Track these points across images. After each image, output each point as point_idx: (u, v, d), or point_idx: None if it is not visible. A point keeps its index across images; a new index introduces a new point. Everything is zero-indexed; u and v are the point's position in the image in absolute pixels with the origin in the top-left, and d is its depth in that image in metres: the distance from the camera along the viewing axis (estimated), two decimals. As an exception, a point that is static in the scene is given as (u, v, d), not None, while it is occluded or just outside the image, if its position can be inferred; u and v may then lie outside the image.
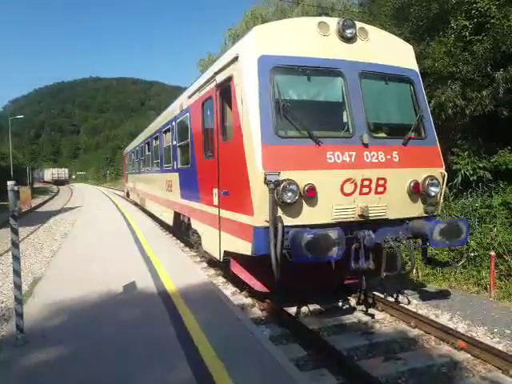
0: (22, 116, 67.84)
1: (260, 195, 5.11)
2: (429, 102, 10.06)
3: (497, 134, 10.21)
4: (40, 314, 5.30)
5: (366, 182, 5.55)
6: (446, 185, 9.79)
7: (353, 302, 6.78)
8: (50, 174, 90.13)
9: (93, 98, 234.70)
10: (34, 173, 77.24)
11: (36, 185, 66.42)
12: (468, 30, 10.54)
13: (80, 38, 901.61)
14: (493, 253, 7.24)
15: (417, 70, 6.62)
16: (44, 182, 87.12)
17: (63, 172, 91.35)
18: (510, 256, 7.75)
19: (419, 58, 10.69)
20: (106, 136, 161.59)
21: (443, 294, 7.06)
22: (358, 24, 6.08)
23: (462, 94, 10.27)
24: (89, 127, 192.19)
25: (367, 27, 6.21)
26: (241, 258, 6.07)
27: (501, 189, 9.43)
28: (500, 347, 5.08)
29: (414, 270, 8.27)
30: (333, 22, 5.87)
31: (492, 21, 9.81)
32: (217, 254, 6.85)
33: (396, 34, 11.43)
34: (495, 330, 5.62)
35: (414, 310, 6.32)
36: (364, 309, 6.43)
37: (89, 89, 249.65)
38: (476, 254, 8.19)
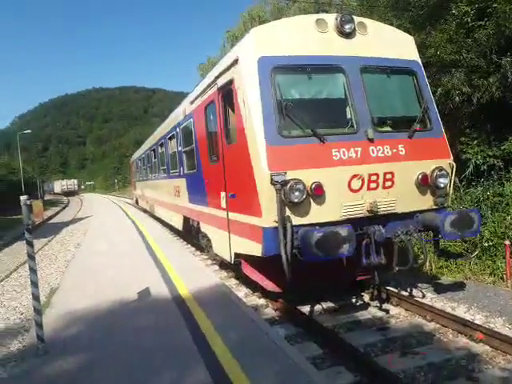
0: (29, 131, 68.72)
1: (267, 196, 5.11)
2: (434, 92, 10.01)
3: (506, 121, 10.05)
4: (58, 324, 5.38)
5: (374, 177, 5.52)
6: (456, 175, 9.79)
7: (366, 297, 6.73)
8: (59, 185, 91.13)
9: (96, 109, 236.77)
10: (45, 185, 78.16)
11: (47, 197, 67.17)
12: (470, 15, 10.43)
13: (80, 49, 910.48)
14: (507, 242, 7.13)
15: (419, 60, 6.56)
16: (54, 193, 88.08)
17: (72, 183, 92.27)
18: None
19: (421, 47, 10.62)
20: (112, 145, 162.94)
21: (458, 286, 6.97)
22: (357, 19, 6.04)
23: (468, 82, 10.15)
24: (94, 137, 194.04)
25: (366, 21, 6.17)
26: (252, 260, 6.07)
27: None
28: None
29: (428, 263, 8.18)
30: (331, 19, 5.85)
31: (494, 5, 9.69)
32: (227, 257, 6.86)
33: (395, 25, 11.39)
34: None
35: (430, 303, 6.24)
36: (378, 304, 6.39)
37: (92, 99, 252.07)
38: (490, 243, 8.07)
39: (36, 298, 4.52)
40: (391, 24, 11.55)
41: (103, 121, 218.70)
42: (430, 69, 10.68)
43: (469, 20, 10.42)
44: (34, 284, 4.50)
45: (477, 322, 5.51)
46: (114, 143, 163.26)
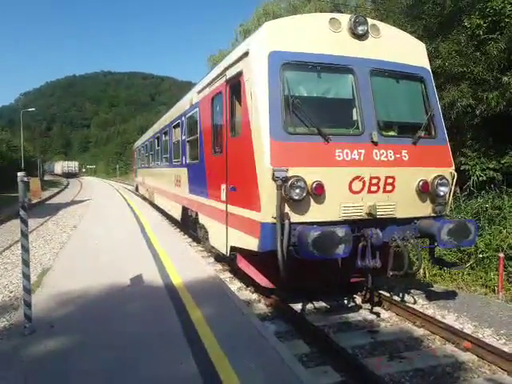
0: (33, 109, 68.28)
1: (268, 191, 5.11)
2: (439, 101, 10.01)
3: (508, 136, 10.06)
4: (48, 304, 5.37)
5: (375, 181, 5.53)
6: (456, 185, 9.80)
7: (358, 300, 6.76)
8: (60, 166, 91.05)
9: (104, 92, 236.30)
10: (45, 165, 78.09)
11: (46, 177, 67.11)
12: (482, 28, 10.40)
13: (91, 32, 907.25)
14: (502, 254, 7.17)
15: (429, 68, 6.56)
16: (54, 174, 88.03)
17: (73, 165, 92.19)
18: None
19: (431, 56, 10.60)
20: (117, 130, 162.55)
21: (450, 295, 7.00)
22: (370, 21, 6.02)
23: (473, 94, 10.15)
24: (99, 121, 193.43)
25: (379, 24, 6.16)
26: (247, 254, 6.09)
27: None
28: (506, 349, 5.01)
29: (422, 270, 8.23)
30: (344, 19, 5.83)
31: (507, 20, 9.67)
32: (223, 249, 6.88)
33: (409, 32, 11.35)
34: (502, 332, 5.55)
35: (421, 309, 6.27)
36: (369, 307, 6.42)
37: (100, 83, 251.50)
38: (485, 255, 8.12)
39: (26, 276, 4.49)
40: (405, 30, 11.53)
41: (109, 105, 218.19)
42: (437, 79, 10.67)
43: (481, 33, 10.40)
44: (25, 263, 4.47)
45: (465, 330, 5.55)
46: (119, 128, 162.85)
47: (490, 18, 10.36)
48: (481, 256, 8.12)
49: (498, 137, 10.36)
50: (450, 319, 6.01)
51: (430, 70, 6.58)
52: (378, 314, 6.20)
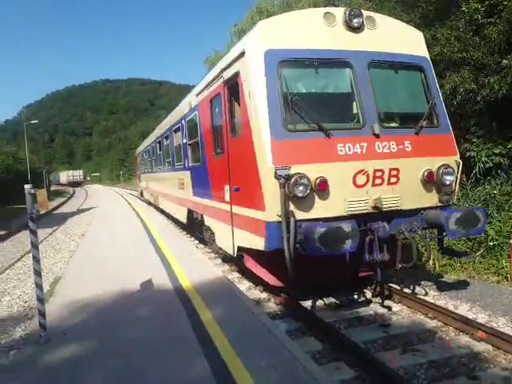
0: (36, 121, 68.77)
1: (271, 190, 5.09)
2: (440, 89, 9.92)
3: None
4: (61, 313, 5.42)
5: (379, 173, 5.47)
6: (462, 173, 9.70)
7: (369, 294, 6.71)
8: (65, 176, 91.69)
9: (103, 100, 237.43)
10: (50, 176, 78.54)
11: (52, 187, 67.53)
12: (480, 12, 10.28)
13: (88, 41, 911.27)
14: (512, 241, 7.08)
15: (427, 56, 6.48)
16: (60, 184, 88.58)
17: (78, 174, 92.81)
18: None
19: (429, 44, 10.50)
20: (118, 137, 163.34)
21: (462, 285, 6.92)
22: (365, 13, 5.96)
23: (475, 80, 10.04)
24: (100, 129, 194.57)
25: (375, 15, 6.10)
26: (255, 253, 6.06)
27: None
28: (521, 337, 4.95)
29: (431, 261, 8.15)
30: (339, 12, 5.78)
31: (505, 2, 9.54)
32: (230, 250, 6.86)
33: (405, 21, 11.24)
34: None
35: (432, 301, 6.20)
36: (380, 301, 6.36)
37: (99, 91, 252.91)
38: (495, 242, 8.01)
39: (39, 286, 4.55)
40: (401, 19, 11.43)
41: (109, 112, 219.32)
42: (437, 66, 10.56)
43: (479, 17, 10.27)
44: (37, 273, 4.53)
45: (479, 320, 5.47)
46: (120, 135, 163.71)
47: (487, 2, 10.23)
48: (491, 244, 8.01)
49: (502, 121, 10.22)
50: (462, 309, 5.94)
51: (429, 59, 6.50)
52: (389, 308, 6.15)
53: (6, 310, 6.92)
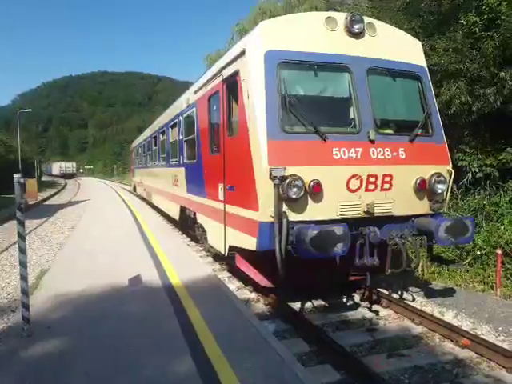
0: (29, 110, 68.09)
1: (265, 190, 5.11)
2: (436, 98, 10.02)
3: (505, 132, 10.07)
4: (46, 306, 5.37)
5: (372, 179, 5.53)
6: (454, 182, 9.81)
7: (357, 298, 6.77)
8: (57, 167, 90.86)
9: (100, 92, 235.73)
10: (42, 166, 77.84)
11: (44, 178, 66.91)
12: (478, 26, 10.41)
13: (87, 32, 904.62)
14: (499, 251, 7.18)
15: (425, 66, 6.56)
16: (52, 175, 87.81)
17: (71, 166, 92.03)
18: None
19: (428, 53, 10.60)
20: (114, 130, 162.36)
21: (449, 292, 7.00)
22: (366, 19, 6.01)
23: (470, 91, 10.16)
24: (96, 121, 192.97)
25: (375, 22, 6.15)
26: (246, 253, 6.08)
27: (510, 187, 9.27)
28: (504, 345, 5.04)
29: (420, 268, 8.25)
30: (340, 17, 5.82)
31: (502, 17, 9.67)
32: (222, 249, 6.87)
33: (406, 29, 11.34)
34: (500, 329, 5.56)
35: (419, 307, 6.29)
36: (368, 305, 6.43)
37: (96, 83, 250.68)
38: (482, 252, 8.12)
39: (24, 278, 4.47)
40: (402, 27, 11.53)
41: (106, 105, 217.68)
42: (433, 76, 10.67)
43: (477, 30, 10.40)
44: (23, 264, 4.45)
45: (464, 328, 5.56)
46: (116, 128, 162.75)
47: (485, 16, 10.36)
48: (479, 253, 8.13)
49: (495, 133, 10.36)
50: (448, 316, 6.02)
51: (427, 68, 6.57)
52: (376, 312, 6.21)
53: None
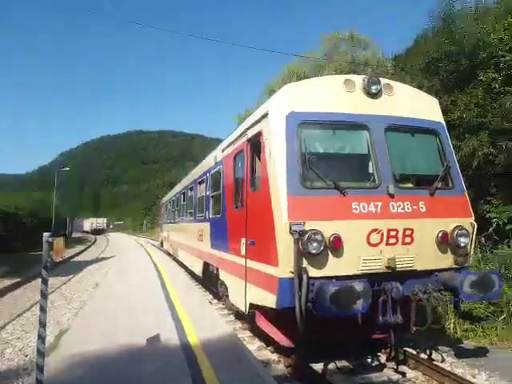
0: (67, 168, 71.51)
1: (285, 245, 5.16)
2: (459, 151, 10.09)
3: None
4: (62, 367, 5.30)
5: (393, 233, 5.51)
6: (480, 235, 9.56)
7: (383, 358, 6.45)
8: (89, 223, 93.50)
9: (135, 150, 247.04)
10: (75, 223, 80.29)
11: (74, 234, 68.59)
12: (497, 82, 10.65)
13: (125, 94, 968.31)
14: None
15: (442, 122, 6.68)
16: (83, 231, 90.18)
17: (102, 222, 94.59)
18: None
19: (449, 109, 10.83)
20: (146, 187, 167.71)
21: (481, 352, 6.60)
22: (383, 80, 6.31)
23: (493, 143, 10.20)
24: (130, 178, 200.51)
25: (392, 83, 6.41)
26: (266, 311, 6.01)
27: None
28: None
29: (452, 325, 7.84)
30: (358, 79, 6.13)
31: None
32: (242, 307, 6.81)
33: (426, 87, 11.71)
34: None
35: (449, 368, 5.94)
36: (395, 366, 6.11)
37: (132, 142, 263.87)
38: (518, 307, 7.68)
39: (41, 338, 4.42)
40: (422, 85, 11.93)
41: (141, 162, 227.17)
42: (456, 129, 10.82)
43: (496, 85, 10.64)
44: (42, 324, 4.43)
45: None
46: (148, 185, 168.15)
47: (504, 72, 10.62)
48: (514, 308, 7.69)
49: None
50: (480, 379, 5.65)
51: (444, 124, 6.70)
52: (403, 374, 5.90)
53: (6, 364, 6.72)
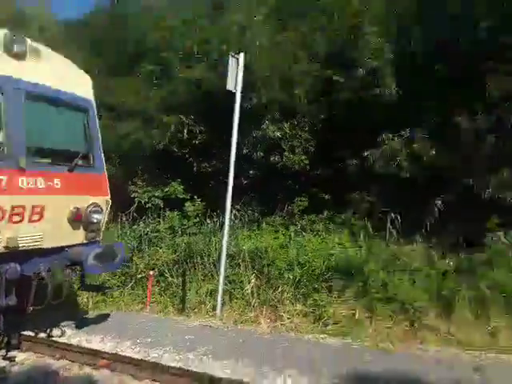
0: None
1: None
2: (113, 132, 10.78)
3: (170, 168, 11.85)
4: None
5: (19, 210, 5.17)
6: (124, 212, 10.61)
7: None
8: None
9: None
10: None
11: None
12: (156, 74, 11.97)
13: None
14: (151, 272, 8.18)
15: (93, 100, 6.73)
16: None
17: None
18: (169, 273, 8.88)
19: (110, 91, 11.28)
20: None
21: (103, 318, 7.19)
22: (32, 42, 5.66)
23: (144, 130, 11.46)
24: None
25: (43, 48, 5.86)
26: None
27: (168, 215, 10.61)
28: (137, 356, 5.57)
29: (85, 299, 8.27)
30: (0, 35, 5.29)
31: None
32: None
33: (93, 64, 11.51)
34: (138, 341, 6.11)
35: (66, 340, 6.16)
36: (4, 353, 5.73)
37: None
38: (143, 274, 8.97)
39: None
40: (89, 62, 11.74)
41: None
42: (114, 112, 11.59)
43: (154, 78, 12.00)
44: None
45: (107, 349, 5.80)
46: None
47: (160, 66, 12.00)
48: (139, 276, 8.94)
49: (162, 168, 12.02)
50: (95, 343, 6.15)
51: (94, 102, 6.72)
52: (11, 359, 5.60)
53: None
